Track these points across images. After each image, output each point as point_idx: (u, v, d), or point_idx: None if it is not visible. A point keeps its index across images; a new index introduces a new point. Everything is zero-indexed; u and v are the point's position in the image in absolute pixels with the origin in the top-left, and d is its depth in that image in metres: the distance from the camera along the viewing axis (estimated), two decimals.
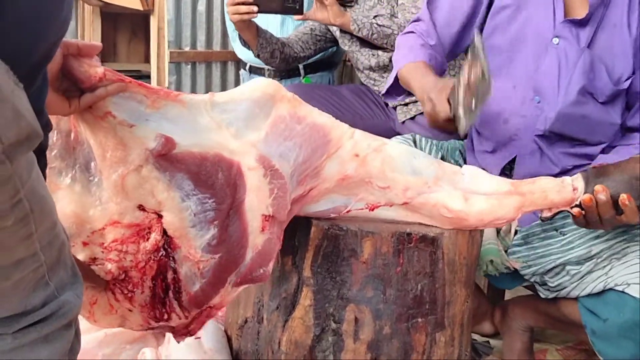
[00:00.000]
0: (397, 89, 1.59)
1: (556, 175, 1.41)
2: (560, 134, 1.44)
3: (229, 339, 1.41)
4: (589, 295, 1.35)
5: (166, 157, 0.95)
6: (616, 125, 1.43)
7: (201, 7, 3.28)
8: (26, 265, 0.71)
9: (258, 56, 2.32)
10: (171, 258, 1.00)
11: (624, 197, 1.13)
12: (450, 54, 1.62)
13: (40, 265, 0.73)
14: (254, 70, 2.70)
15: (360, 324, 1.19)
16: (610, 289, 1.30)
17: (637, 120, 1.42)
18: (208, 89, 3.38)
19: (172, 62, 3.22)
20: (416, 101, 2.26)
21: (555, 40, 1.41)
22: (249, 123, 1.03)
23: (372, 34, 2.16)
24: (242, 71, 2.84)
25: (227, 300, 1.07)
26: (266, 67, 2.63)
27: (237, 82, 3.39)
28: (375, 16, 2.17)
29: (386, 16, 2.16)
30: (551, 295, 1.43)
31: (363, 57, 2.31)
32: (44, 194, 0.72)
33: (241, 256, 1.02)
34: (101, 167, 0.95)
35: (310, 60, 2.61)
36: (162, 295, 1.02)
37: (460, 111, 1.22)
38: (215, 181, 0.98)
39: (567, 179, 1.23)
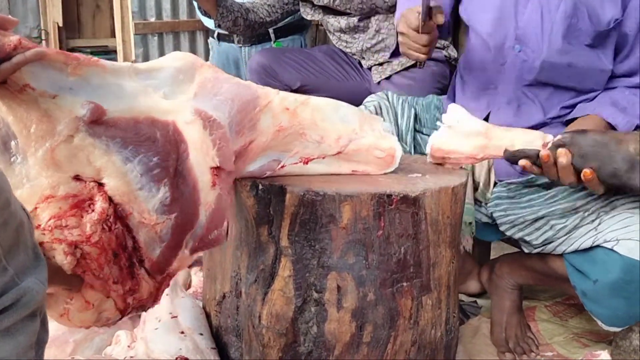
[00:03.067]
0: None
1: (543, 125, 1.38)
2: (548, 82, 1.41)
3: (207, 316, 1.36)
4: (577, 252, 1.31)
5: (98, 124, 0.91)
6: (607, 71, 1.39)
7: None
8: None
9: (219, 26, 2.24)
10: (125, 226, 0.96)
11: (586, 172, 1.12)
12: None
13: None
14: (223, 38, 2.62)
15: (343, 292, 1.13)
16: (598, 246, 1.26)
17: (624, 67, 1.38)
18: None
19: (137, 34, 3.11)
20: (390, 61, 2.20)
21: None
22: (175, 88, 1.02)
23: (334, 1, 2.09)
24: (210, 39, 2.75)
25: (184, 266, 1.05)
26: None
27: (206, 52, 3.28)
28: None
29: None
30: (535, 251, 1.39)
31: (333, 20, 2.23)
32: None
33: (195, 215, 0.99)
34: (24, 144, 0.90)
35: (280, 24, 2.52)
36: (127, 265, 0.99)
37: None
38: (154, 140, 0.95)
39: (541, 135, 1.22)
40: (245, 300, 1.20)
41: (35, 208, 0.92)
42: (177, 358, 1.21)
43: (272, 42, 2.54)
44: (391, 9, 2.12)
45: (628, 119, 1.34)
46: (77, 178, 0.92)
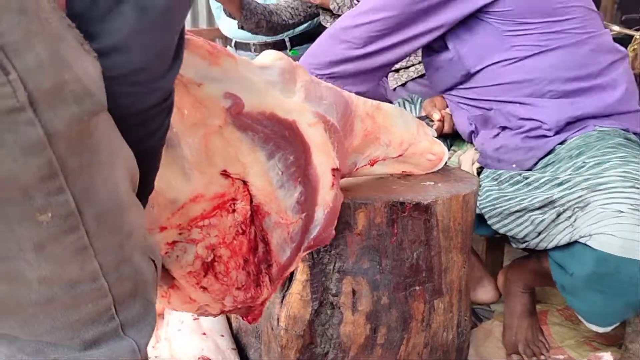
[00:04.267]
0: None
1: None
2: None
3: (227, 319, 1.41)
4: (558, 248, 1.35)
5: (241, 116, 0.87)
6: None
7: None
8: (83, 291, 0.58)
9: (242, 27, 2.28)
10: (259, 229, 0.93)
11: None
12: None
13: (102, 295, 0.60)
14: (240, 46, 2.67)
15: (358, 296, 1.18)
16: (576, 242, 1.30)
17: None
18: None
19: None
20: (407, 67, 2.24)
21: None
22: (285, 86, 0.99)
23: None
24: (228, 48, 2.80)
25: (296, 266, 1.05)
26: (252, 42, 2.60)
27: None
28: None
29: None
30: (521, 246, 1.44)
31: None
32: (112, 206, 0.58)
33: (313, 215, 1.00)
34: (178, 130, 0.85)
35: (296, 33, 2.57)
36: (255, 272, 0.95)
37: None
38: (286, 138, 0.92)
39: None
40: None
41: (184, 206, 0.86)
42: (199, 358, 1.26)
43: (287, 51, 2.59)
44: None
45: None
46: (225, 174, 0.88)
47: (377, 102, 1.21)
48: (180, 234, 0.88)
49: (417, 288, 1.20)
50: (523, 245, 1.44)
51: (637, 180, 1.27)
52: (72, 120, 0.51)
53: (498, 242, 1.91)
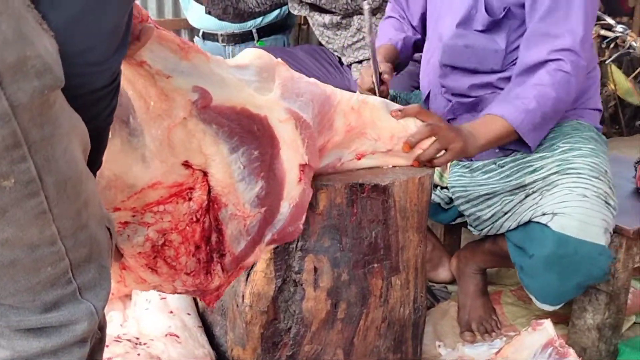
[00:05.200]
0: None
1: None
2: (451, 65, 1.58)
3: (193, 298, 1.45)
4: (518, 231, 1.43)
5: (207, 110, 0.90)
6: (501, 51, 1.52)
7: None
8: (43, 254, 0.62)
9: (209, 13, 2.31)
10: (215, 219, 0.95)
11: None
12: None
13: (60, 259, 0.63)
14: (207, 37, 2.69)
15: (320, 273, 1.24)
16: (534, 222, 1.38)
17: (523, 54, 1.49)
18: None
19: None
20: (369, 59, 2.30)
21: None
22: (262, 84, 1.03)
23: (320, 0, 2.18)
24: (195, 38, 2.82)
25: (257, 260, 1.05)
26: (219, 32, 2.62)
27: None
28: None
29: None
30: (484, 231, 1.52)
31: (317, 16, 2.32)
32: (71, 174, 0.62)
33: (277, 209, 1.02)
34: (143, 120, 0.87)
35: (263, 24, 2.60)
36: (206, 260, 0.98)
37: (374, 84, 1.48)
38: (253, 133, 0.96)
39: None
40: None
41: (141, 190, 0.89)
42: (166, 335, 1.30)
43: (255, 42, 2.62)
44: (375, 11, 2.22)
45: (517, 105, 1.41)
46: (186, 164, 0.92)
47: (364, 95, 1.23)
48: (133, 216, 0.92)
49: (376, 265, 1.26)
50: (484, 230, 1.52)
51: (603, 173, 1.38)
52: (33, 94, 0.54)
53: (455, 228, 2.00)
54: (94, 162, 0.72)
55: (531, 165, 1.45)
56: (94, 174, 0.75)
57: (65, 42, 0.60)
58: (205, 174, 0.94)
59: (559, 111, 1.44)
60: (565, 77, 1.38)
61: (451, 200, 1.63)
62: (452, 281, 1.87)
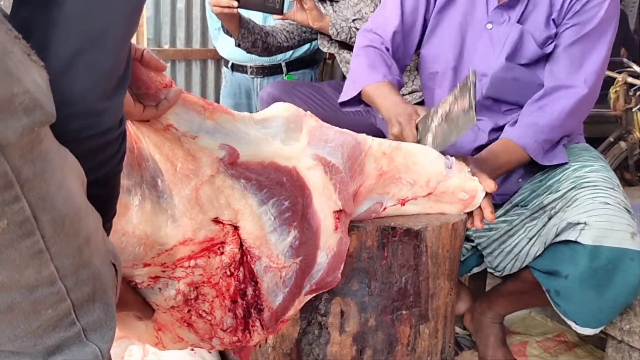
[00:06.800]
0: (355, 100, 1.67)
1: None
2: (495, 98, 1.58)
3: None
4: (542, 256, 1.43)
5: (235, 166, 0.92)
6: (542, 85, 1.55)
7: (180, 4, 3.27)
8: (42, 296, 0.59)
9: (239, 45, 2.33)
10: (249, 272, 0.96)
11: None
12: (403, 63, 1.73)
13: (60, 299, 0.61)
14: (236, 68, 2.71)
15: (346, 317, 1.20)
16: (563, 243, 1.36)
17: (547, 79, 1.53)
18: (187, 88, 3.37)
19: None
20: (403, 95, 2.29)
21: (489, 26, 1.58)
22: (289, 135, 1.04)
23: (351, 38, 2.19)
24: (224, 69, 2.84)
25: (296, 312, 1.04)
26: (249, 64, 2.64)
27: (217, 81, 3.39)
28: (354, 19, 2.19)
29: (365, 19, 2.18)
30: (507, 268, 1.51)
31: (346, 53, 2.33)
32: (68, 211, 0.59)
33: (314, 258, 1.01)
34: (171, 182, 0.90)
35: (292, 58, 2.62)
36: (243, 315, 0.97)
37: (429, 138, 1.33)
38: (283, 184, 0.97)
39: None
40: None
41: (172, 248, 0.90)
42: None
43: (283, 75, 2.63)
44: None
45: (534, 131, 1.47)
46: (216, 220, 0.93)
47: (397, 142, 1.23)
48: (163, 271, 0.91)
49: (404, 312, 1.22)
50: (507, 268, 1.51)
51: (616, 185, 1.41)
52: (23, 132, 0.53)
53: (481, 274, 1.96)
54: (108, 210, 0.71)
55: (547, 187, 1.47)
56: (110, 222, 0.73)
57: (61, 85, 0.59)
58: (236, 227, 0.94)
59: (568, 132, 1.54)
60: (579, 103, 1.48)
61: (467, 250, 1.62)
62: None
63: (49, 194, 0.57)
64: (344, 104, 1.71)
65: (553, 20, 1.52)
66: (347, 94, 1.66)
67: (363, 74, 1.62)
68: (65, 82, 0.59)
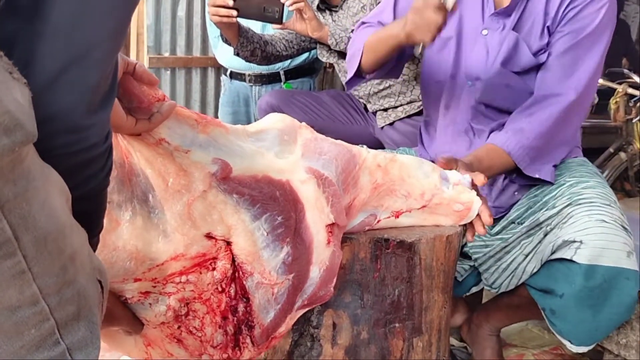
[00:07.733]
0: (358, 77, 1.73)
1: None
2: (487, 104, 1.58)
3: None
4: (538, 274, 1.41)
5: (228, 180, 0.92)
6: (532, 93, 1.55)
7: (181, 12, 3.27)
8: (24, 316, 0.58)
9: (238, 54, 2.33)
10: (241, 288, 0.95)
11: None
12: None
13: (44, 319, 0.59)
14: (235, 76, 2.71)
15: (338, 329, 1.19)
16: (558, 261, 1.35)
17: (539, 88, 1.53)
18: (188, 95, 3.37)
19: (151, 68, 3.20)
20: (395, 107, 2.29)
21: (485, 32, 1.58)
22: (283, 148, 1.04)
23: None
24: (223, 77, 2.85)
25: (288, 329, 1.03)
26: (247, 72, 2.64)
27: (217, 88, 3.38)
28: (353, 30, 2.19)
29: None
30: (504, 285, 1.50)
31: (344, 63, 2.33)
32: (51, 229, 0.59)
33: (307, 274, 1.00)
34: (162, 197, 0.89)
35: (291, 66, 2.62)
36: (234, 332, 0.96)
37: None
38: (276, 199, 0.96)
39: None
40: None
41: (163, 263, 0.89)
42: None
43: (282, 84, 2.63)
44: None
45: (519, 137, 1.47)
46: (209, 236, 0.92)
47: (392, 154, 1.22)
48: (154, 286, 0.90)
49: (397, 325, 1.21)
50: (504, 284, 1.50)
51: (613, 201, 1.39)
52: (3, 152, 0.52)
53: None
54: (95, 226, 0.70)
55: (543, 203, 1.45)
56: (97, 237, 0.72)
57: (46, 100, 0.58)
58: (228, 243, 0.93)
59: (557, 144, 1.53)
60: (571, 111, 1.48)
61: (465, 271, 1.60)
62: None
63: (30, 214, 0.56)
64: (351, 83, 1.76)
65: (548, 28, 1.52)
66: (351, 69, 1.70)
67: (357, 44, 1.67)
68: (50, 98, 0.58)
